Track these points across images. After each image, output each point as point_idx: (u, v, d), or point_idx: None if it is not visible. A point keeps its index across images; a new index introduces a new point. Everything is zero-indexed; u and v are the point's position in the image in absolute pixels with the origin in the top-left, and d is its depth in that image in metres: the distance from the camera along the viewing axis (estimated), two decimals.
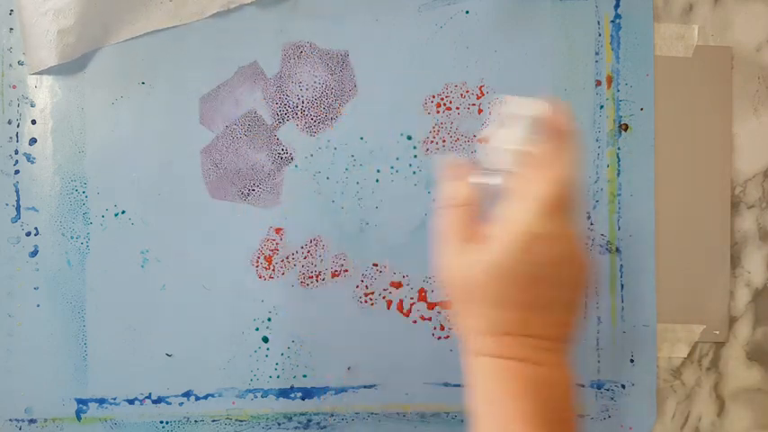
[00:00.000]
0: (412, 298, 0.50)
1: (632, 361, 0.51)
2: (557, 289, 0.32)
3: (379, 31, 0.50)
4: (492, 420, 0.32)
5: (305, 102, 0.49)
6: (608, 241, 0.51)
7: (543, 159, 0.33)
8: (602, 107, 0.51)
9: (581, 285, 0.34)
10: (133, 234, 0.49)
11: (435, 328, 0.50)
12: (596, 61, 0.51)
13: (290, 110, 0.49)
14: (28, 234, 0.49)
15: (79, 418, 0.50)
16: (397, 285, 0.50)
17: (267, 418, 0.50)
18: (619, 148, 0.51)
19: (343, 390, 0.50)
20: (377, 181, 0.50)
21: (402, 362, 0.50)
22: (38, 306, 0.49)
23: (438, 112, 0.50)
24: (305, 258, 0.49)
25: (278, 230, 0.49)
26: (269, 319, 0.49)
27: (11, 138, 0.50)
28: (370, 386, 0.50)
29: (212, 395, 0.50)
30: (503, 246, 0.32)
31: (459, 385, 0.49)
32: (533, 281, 0.32)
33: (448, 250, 0.34)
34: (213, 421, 0.49)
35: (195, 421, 0.49)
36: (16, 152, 0.50)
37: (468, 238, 0.34)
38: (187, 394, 0.49)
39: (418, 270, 0.50)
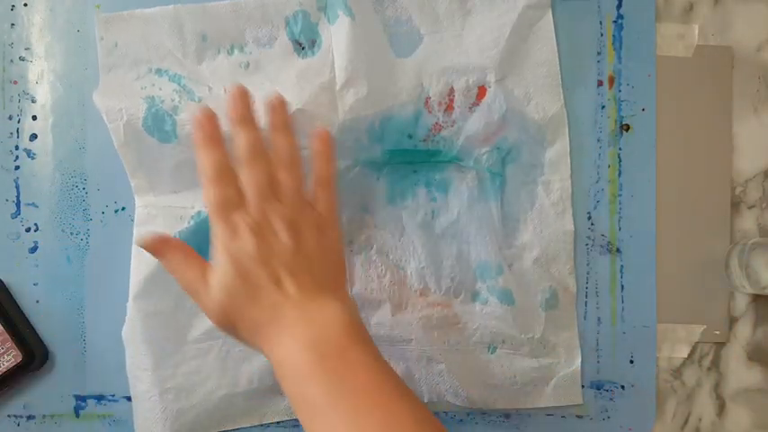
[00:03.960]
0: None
1: (632, 361, 0.51)
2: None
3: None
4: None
5: None
6: (608, 242, 0.51)
7: None
8: (603, 107, 0.51)
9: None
10: (133, 231, 0.48)
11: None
12: (598, 61, 0.51)
13: None
14: (28, 230, 0.49)
15: (78, 415, 0.49)
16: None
17: None
18: (620, 149, 0.51)
19: None
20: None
21: None
22: (37, 302, 0.49)
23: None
24: None
25: None
26: None
27: (11, 133, 0.50)
28: None
29: None
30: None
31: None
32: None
33: (200, 297, 0.40)
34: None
35: None
36: (17, 148, 0.50)
37: (203, 279, 0.40)
38: None
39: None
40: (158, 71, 0.48)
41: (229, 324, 0.39)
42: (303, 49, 0.48)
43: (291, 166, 0.42)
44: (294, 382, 0.37)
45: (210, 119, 0.41)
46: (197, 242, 0.48)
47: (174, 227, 0.48)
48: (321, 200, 0.43)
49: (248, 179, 0.40)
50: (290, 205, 0.41)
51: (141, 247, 0.41)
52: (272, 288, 0.39)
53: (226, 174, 0.40)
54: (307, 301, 0.39)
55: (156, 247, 0.41)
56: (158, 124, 0.48)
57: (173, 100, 0.47)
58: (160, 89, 0.48)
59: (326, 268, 0.41)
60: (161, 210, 0.48)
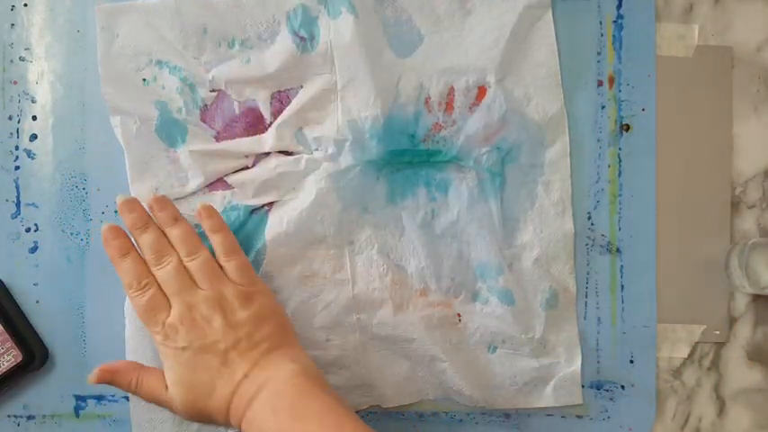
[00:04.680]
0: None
1: (632, 361, 0.51)
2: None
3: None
4: None
5: None
6: (608, 242, 0.51)
7: None
8: (603, 107, 0.51)
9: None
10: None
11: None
12: (598, 61, 0.51)
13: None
14: (28, 230, 0.49)
15: (78, 415, 0.49)
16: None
17: None
18: (620, 149, 0.51)
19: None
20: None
21: None
22: (37, 302, 0.49)
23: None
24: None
25: None
26: None
27: (11, 134, 0.50)
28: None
29: None
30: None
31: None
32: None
33: (165, 404, 0.42)
34: None
35: None
36: (17, 148, 0.50)
37: (159, 386, 0.42)
38: None
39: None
40: (159, 63, 0.48)
41: (199, 415, 0.41)
42: (304, 42, 0.48)
43: (194, 250, 0.44)
44: None
45: (116, 233, 0.44)
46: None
47: None
48: (233, 270, 0.44)
49: (161, 278, 0.43)
50: (209, 289, 0.43)
51: (93, 383, 0.43)
52: (222, 369, 0.41)
53: (143, 279, 0.43)
54: (258, 369, 0.41)
55: (107, 376, 0.43)
56: (168, 129, 0.48)
57: (178, 104, 0.48)
58: (163, 87, 0.48)
59: (267, 331, 0.42)
60: None
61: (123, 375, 0.43)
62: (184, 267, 0.43)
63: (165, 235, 0.45)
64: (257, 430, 0.39)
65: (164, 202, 0.46)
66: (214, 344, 0.41)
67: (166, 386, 0.42)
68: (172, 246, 0.44)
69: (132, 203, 0.45)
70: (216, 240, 0.45)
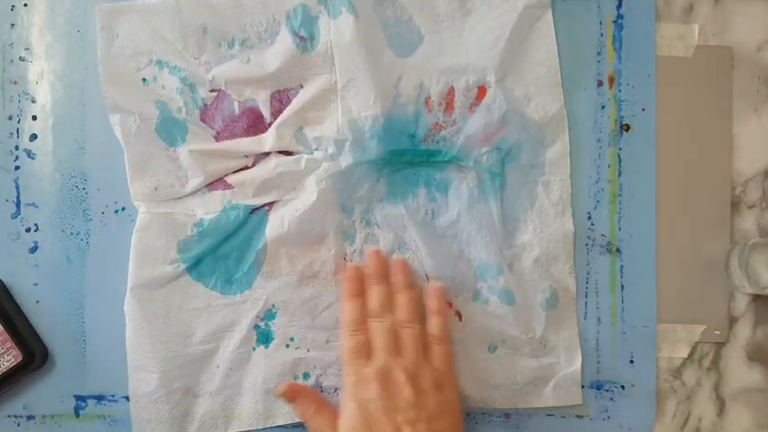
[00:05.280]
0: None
1: (632, 361, 0.51)
2: None
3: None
4: None
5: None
6: (608, 242, 0.51)
7: None
8: (603, 107, 0.51)
9: None
10: (133, 231, 0.48)
11: None
12: (598, 61, 0.51)
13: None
14: (28, 230, 0.49)
15: (78, 415, 0.49)
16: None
17: None
18: (620, 149, 0.51)
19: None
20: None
21: None
22: (37, 302, 0.49)
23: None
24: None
25: None
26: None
27: (11, 134, 0.50)
28: None
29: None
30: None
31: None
32: None
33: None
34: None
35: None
36: (17, 148, 0.50)
37: (332, 425, 0.44)
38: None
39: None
40: (159, 63, 0.48)
41: None
42: (304, 42, 0.48)
43: (412, 322, 0.45)
44: None
45: (359, 278, 0.47)
46: (201, 252, 0.48)
47: (175, 234, 0.48)
48: (437, 356, 0.45)
49: (377, 333, 0.45)
50: (411, 361, 0.44)
51: (278, 396, 0.47)
52: None
53: (362, 325, 0.45)
54: None
55: (291, 395, 0.47)
56: (168, 129, 0.48)
57: (178, 104, 0.48)
58: (163, 87, 0.48)
59: (444, 424, 0.43)
60: (162, 216, 0.48)
61: (306, 400, 0.46)
62: (398, 332, 0.45)
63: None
64: None
65: (405, 266, 0.48)
66: (396, 411, 0.42)
67: (335, 428, 0.44)
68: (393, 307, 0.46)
69: (380, 255, 0.48)
70: (434, 322, 0.46)
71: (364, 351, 0.44)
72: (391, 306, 0.46)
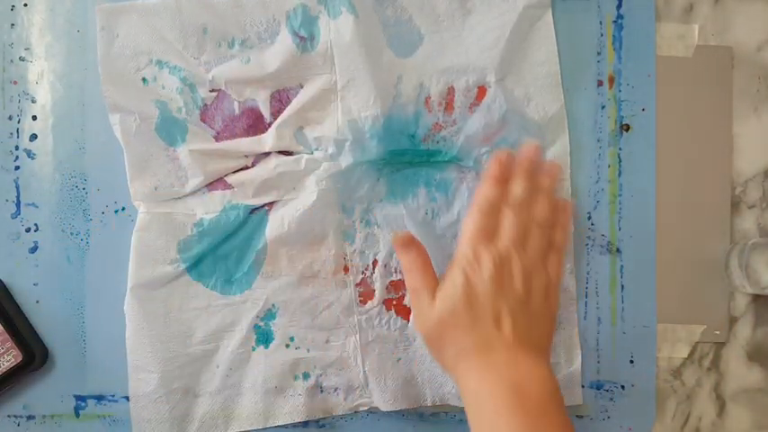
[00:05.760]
0: None
1: (632, 361, 0.51)
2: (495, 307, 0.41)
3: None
4: (482, 419, 0.39)
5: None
6: (609, 242, 0.51)
7: None
8: (603, 107, 0.51)
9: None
10: (133, 231, 0.48)
11: None
12: (598, 61, 0.51)
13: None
14: (28, 230, 0.49)
15: (78, 415, 0.49)
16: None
17: None
18: (620, 149, 0.51)
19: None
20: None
21: None
22: (37, 302, 0.49)
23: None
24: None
25: None
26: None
27: (11, 134, 0.50)
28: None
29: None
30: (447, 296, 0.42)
31: None
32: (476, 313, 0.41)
33: (421, 304, 0.42)
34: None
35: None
36: (17, 148, 0.50)
37: (431, 287, 0.43)
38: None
39: None
40: (159, 63, 0.48)
41: (437, 339, 0.42)
42: (304, 42, 0.48)
43: (545, 227, 0.44)
44: (486, 416, 0.39)
45: (510, 165, 0.44)
46: (201, 252, 0.48)
47: (175, 234, 0.48)
48: (553, 264, 0.44)
49: (509, 222, 0.43)
50: (532, 259, 0.43)
51: (394, 241, 0.45)
52: (491, 323, 0.41)
53: (495, 210, 0.43)
54: (518, 349, 0.40)
55: (407, 243, 0.44)
56: (168, 128, 0.48)
57: (178, 104, 0.48)
58: (163, 87, 0.48)
59: (543, 328, 0.42)
60: (162, 216, 0.48)
61: (419, 253, 0.44)
62: (529, 230, 0.43)
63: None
64: (487, 402, 0.39)
65: (559, 172, 0.47)
66: (502, 297, 0.41)
67: (434, 295, 0.42)
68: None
69: (538, 152, 0.45)
70: (558, 234, 0.45)
71: (490, 234, 0.43)
72: (530, 207, 0.44)
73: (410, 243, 0.44)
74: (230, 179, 0.49)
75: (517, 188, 0.44)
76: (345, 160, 0.48)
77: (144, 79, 0.48)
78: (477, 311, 0.41)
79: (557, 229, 0.45)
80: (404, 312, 0.50)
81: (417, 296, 0.43)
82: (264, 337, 0.49)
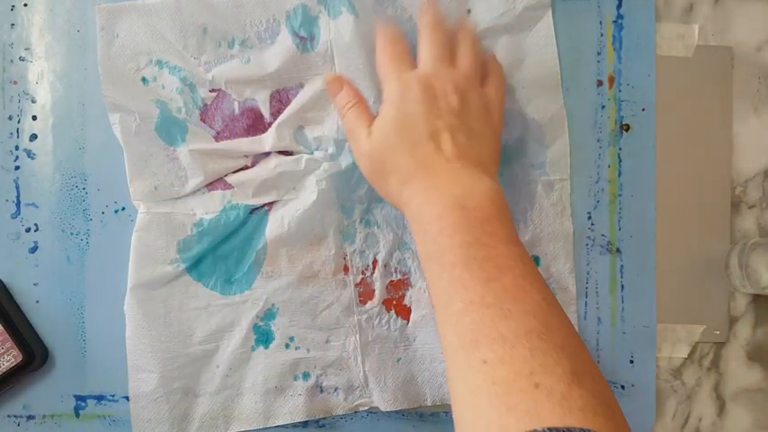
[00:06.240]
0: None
1: (632, 361, 0.51)
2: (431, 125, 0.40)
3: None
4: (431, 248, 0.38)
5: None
6: (609, 242, 0.51)
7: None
8: (603, 107, 0.51)
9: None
10: (133, 231, 0.48)
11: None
12: (598, 61, 0.51)
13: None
14: (28, 230, 0.49)
15: (78, 415, 0.49)
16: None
17: None
18: (620, 149, 0.51)
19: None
20: None
21: None
22: (37, 302, 0.49)
23: None
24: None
25: None
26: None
27: (11, 134, 0.50)
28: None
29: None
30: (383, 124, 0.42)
31: None
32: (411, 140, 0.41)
33: (358, 140, 0.42)
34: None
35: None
36: (17, 148, 0.50)
37: (366, 124, 0.42)
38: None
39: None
40: (158, 63, 0.48)
41: (378, 170, 0.41)
42: (304, 42, 0.48)
43: (472, 45, 0.43)
44: (430, 237, 0.38)
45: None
46: (200, 252, 0.48)
47: (175, 234, 0.48)
48: (491, 85, 0.43)
49: (427, 42, 0.42)
50: (464, 75, 0.42)
51: (327, 81, 0.46)
52: (431, 145, 0.40)
53: (403, 42, 0.43)
54: (461, 166, 0.39)
55: (337, 80, 0.45)
56: (168, 128, 0.48)
57: (178, 104, 0.48)
58: (163, 87, 0.48)
59: (485, 145, 0.41)
60: (162, 216, 0.48)
61: (350, 91, 0.44)
62: (453, 50, 0.43)
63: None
64: (431, 223, 0.38)
65: (467, 23, 0.46)
66: (437, 116, 0.40)
67: (370, 130, 0.42)
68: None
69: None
70: (492, 62, 0.45)
71: (408, 63, 0.42)
72: (445, 29, 0.43)
73: (340, 81, 0.44)
74: (230, 179, 0.49)
75: (424, 17, 0.43)
76: (345, 160, 0.48)
77: (144, 79, 0.48)
78: (411, 134, 0.40)
79: (488, 59, 0.45)
80: (404, 312, 0.50)
81: (353, 134, 0.43)
82: (264, 337, 0.49)
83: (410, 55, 0.43)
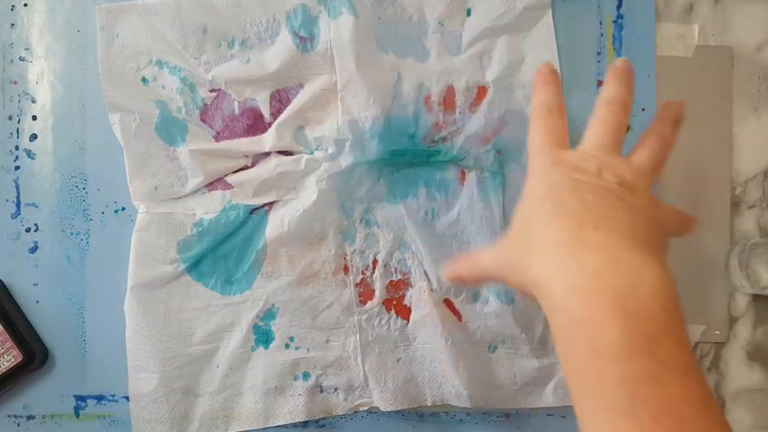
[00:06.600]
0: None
1: None
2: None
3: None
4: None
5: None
6: None
7: None
8: None
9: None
10: (133, 231, 0.48)
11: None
12: (598, 61, 0.51)
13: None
14: (28, 230, 0.49)
15: (78, 415, 0.49)
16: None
17: None
18: None
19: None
20: None
21: None
22: (37, 302, 0.49)
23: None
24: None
25: None
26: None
27: (11, 133, 0.50)
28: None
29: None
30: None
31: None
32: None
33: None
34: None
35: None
36: (17, 148, 0.50)
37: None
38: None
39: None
40: (158, 63, 0.48)
41: (515, 268, 0.33)
42: (304, 42, 0.48)
43: (662, 144, 0.38)
44: (577, 351, 0.29)
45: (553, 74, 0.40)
46: (200, 252, 0.48)
47: (175, 234, 0.48)
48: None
49: (597, 124, 0.37)
50: (633, 170, 0.35)
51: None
52: (577, 237, 0.31)
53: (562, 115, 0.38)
54: (620, 249, 0.30)
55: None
56: (168, 128, 0.48)
57: (178, 104, 0.48)
58: (163, 87, 0.48)
59: (648, 220, 0.33)
60: (162, 216, 0.48)
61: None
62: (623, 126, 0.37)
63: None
64: (562, 334, 0.29)
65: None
66: (586, 192, 0.33)
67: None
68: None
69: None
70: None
71: (563, 137, 0.37)
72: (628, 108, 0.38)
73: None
74: (230, 179, 0.49)
75: (612, 87, 0.38)
76: (345, 160, 0.48)
77: (144, 79, 0.48)
78: (557, 206, 0.33)
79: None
80: (404, 312, 0.50)
81: (484, 273, 0.36)
82: (264, 337, 0.49)
83: (566, 129, 0.38)
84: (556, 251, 0.31)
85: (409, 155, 0.49)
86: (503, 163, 0.50)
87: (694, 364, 0.28)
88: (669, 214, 0.36)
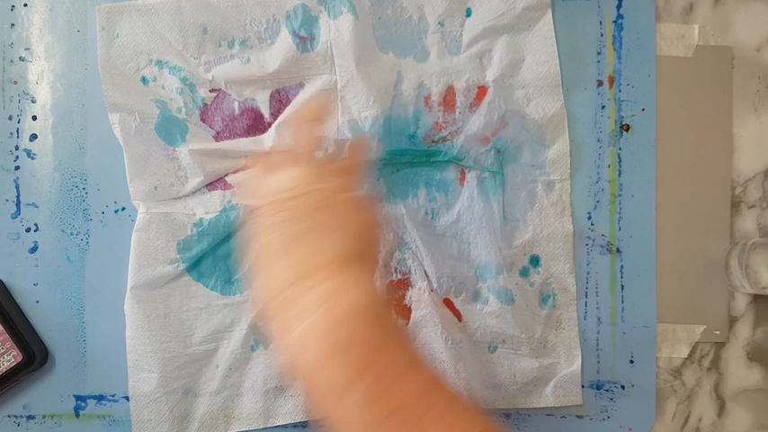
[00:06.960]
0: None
1: (632, 361, 0.51)
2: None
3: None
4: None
5: None
6: (609, 242, 0.51)
7: None
8: (603, 107, 0.51)
9: None
10: (133, 231, 0.48)
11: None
12: (598, 61, 0.51)
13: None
14: (28, 230, 0.49)
15: (78, 415, 0.49)
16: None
17: None
18: (620, 149, 0.51)
19: None
20: None
21: None
22: (37, 302, 0.49)
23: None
24: None
25: None
26: None
27: (11, 134, 0.50)
28: None
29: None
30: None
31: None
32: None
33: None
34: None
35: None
36: (17, 148, 0.50)
37: None
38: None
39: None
40: (158, 63, 0.48)
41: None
42: (304, 42, 0.48)
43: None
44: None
45: None
46: (200, 252, 0.48)
47: (175, 234, 0.48)
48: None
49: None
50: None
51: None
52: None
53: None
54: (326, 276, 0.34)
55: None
56: (168, 128, 0.48)
57: (178, 104, 0.48)
58: (163, 87, 0.48)
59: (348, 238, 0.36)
60: (162, 216, 0.48)
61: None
62: None
63: None
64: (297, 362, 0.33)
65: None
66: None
67: None
68: None
69: None
70: None
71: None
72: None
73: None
74: (230, 179, 0.49)
75: None
76: None
77: (144, 79, 0.48)
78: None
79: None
80: (404, 312, 0.50)
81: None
82: (264, 338, 0.49)
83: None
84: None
85: (409, 155, 0.49)
86: (503, 163, 0.50)
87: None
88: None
